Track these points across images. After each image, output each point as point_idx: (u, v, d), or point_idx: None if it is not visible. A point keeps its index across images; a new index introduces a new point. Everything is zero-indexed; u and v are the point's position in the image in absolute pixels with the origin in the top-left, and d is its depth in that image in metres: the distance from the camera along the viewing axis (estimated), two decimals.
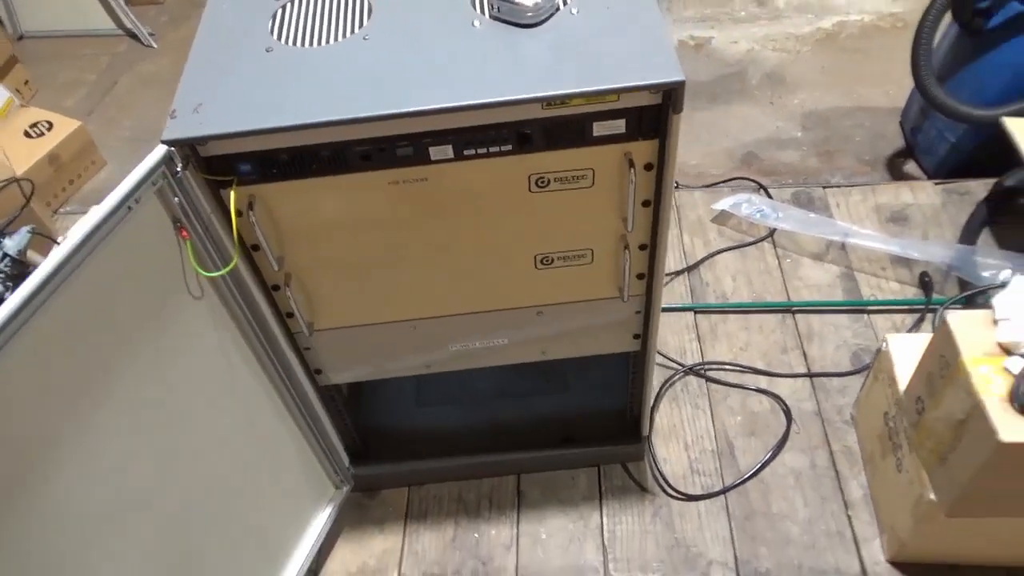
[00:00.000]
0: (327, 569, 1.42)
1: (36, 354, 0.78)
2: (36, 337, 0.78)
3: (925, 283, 1.71)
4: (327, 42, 0.93)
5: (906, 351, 1.30)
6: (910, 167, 2.09)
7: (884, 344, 1.34)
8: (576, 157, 0.95)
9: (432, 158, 0.92)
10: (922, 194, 1.93)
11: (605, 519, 1.44)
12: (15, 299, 0.75)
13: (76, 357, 0.83)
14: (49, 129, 2.16)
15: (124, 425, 0.91)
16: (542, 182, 0.97)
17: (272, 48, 0.93)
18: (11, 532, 0.79)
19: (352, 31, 0.94)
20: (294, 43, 0.94)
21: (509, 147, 0.93)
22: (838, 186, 1.98)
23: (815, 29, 2.59)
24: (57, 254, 0.79)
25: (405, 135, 0.90)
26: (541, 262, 1.09)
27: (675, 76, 0.83)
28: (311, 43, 0.93)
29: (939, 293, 1.70)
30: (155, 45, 2.77)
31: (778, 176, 2.09)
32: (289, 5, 0.99)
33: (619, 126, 0.92)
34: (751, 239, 1.86)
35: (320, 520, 1.40)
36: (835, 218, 1.89)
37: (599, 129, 0.92)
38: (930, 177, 2.01)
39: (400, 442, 1.51)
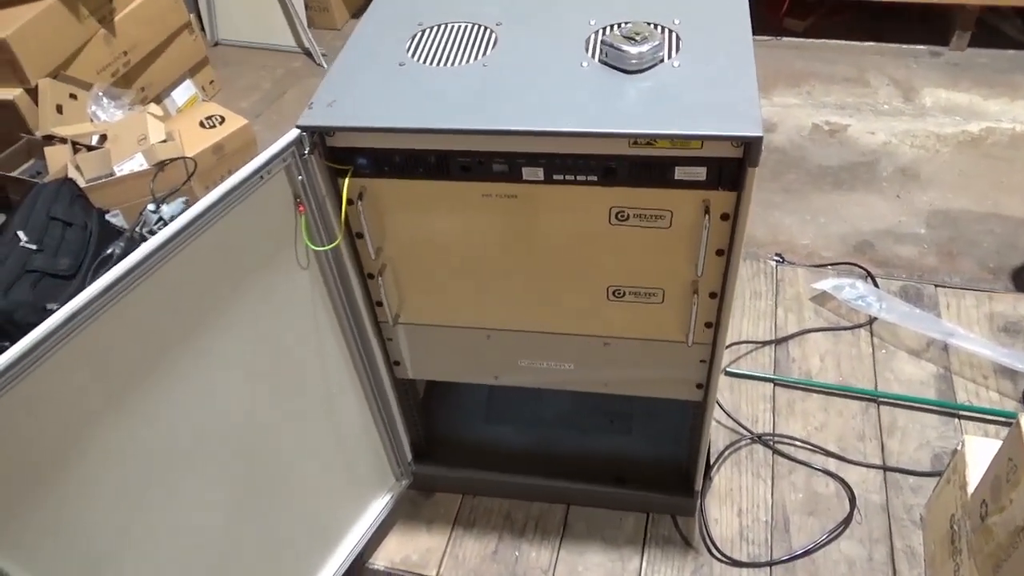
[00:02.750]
0: (373, 555, 1.50)
1: (175, 283, 0.92)
2: (177, 269, 0.91)
3: None
4: (452, 64, 1.06)
5: (982, 455, 1.25)
6: None
7: (960, 444, 1.29)
8: (657, 197, 1.02)
9: (524, 177, 1.02)
10: None
11: (644, 565, 1.44)
12: (167, 231, 0.90)
13: (202, 293, 0.97)
14: (220, 123, 2.44)
15: (224, 359, 1.03)
16: (622, 216, 1.04)
17: (404, 63, 1.06)
18: (127, 428, 0.92)
19: (476, 58, 1.06)
20: (424, 62, 1.06)
21: (595, 178, 1.01)
22: (952, 287, 1.91)
23: (960, 131, 2.52)
24: (200, 204, 0.94)
25: (502, 153, 1.00)
26: (613, 294, 1.15)
27: (753, 131, 0.88)
28: (438, 64, 1.06)
29: None
30: (324, 65, 3.07)
31: (891, 268, 2.05)
32: (428, 30, 1.12)
33: (700, 173, 0.98)
34: (848, 324, 1.83)
35: (377, 506, 1.49)
36: (943, 318, 1.83)
37: (680, 174, 0.98)
38: None
39: (462, 451, 1.59)
